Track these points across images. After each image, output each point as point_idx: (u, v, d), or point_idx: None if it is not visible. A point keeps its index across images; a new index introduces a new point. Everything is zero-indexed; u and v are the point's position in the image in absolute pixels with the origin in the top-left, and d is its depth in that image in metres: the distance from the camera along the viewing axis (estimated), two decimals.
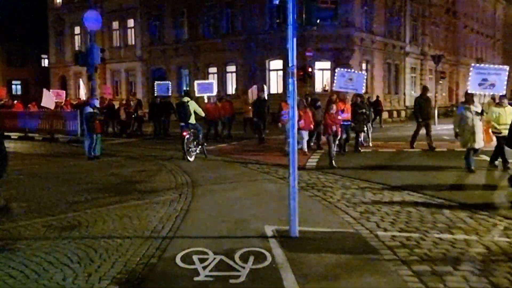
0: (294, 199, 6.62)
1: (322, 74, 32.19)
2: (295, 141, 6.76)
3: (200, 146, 15.09)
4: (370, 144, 17.61)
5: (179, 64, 38.60)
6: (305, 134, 15.70)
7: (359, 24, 32.20)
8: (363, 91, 16.95)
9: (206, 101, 22.56)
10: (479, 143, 11.68)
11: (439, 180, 11.15)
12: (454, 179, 11.28)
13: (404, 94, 38.46)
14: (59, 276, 5.43)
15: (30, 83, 54.84)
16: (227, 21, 35.79)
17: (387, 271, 5.48)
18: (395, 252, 6.07)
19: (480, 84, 12.76)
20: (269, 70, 33.81)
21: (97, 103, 16.14)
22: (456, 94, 47.39)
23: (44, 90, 26.68)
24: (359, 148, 16.11)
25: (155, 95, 24.52)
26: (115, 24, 42.58)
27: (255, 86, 24.84)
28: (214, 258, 5.86)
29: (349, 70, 18.87)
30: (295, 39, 6.57)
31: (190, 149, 14.57)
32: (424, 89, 17.50)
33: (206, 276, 5.39)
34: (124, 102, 25.80)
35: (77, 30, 45.07)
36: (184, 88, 34.87)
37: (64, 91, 34.20)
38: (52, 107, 24.95)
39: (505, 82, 12.91)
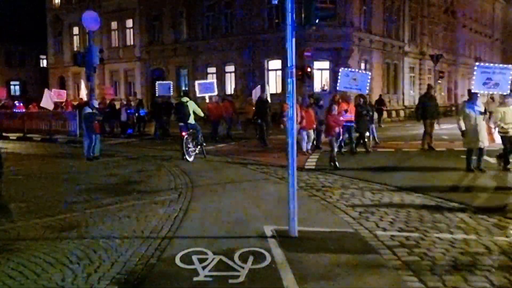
0: (293, 199, 6.62)
1: (321, 74, 32.19)
2: (294, 140, 6.76)
3: (199, 146, 15.08)
4: (375, 144, 17.31)
5: (178, 64, 38.57)
6: (308, 133, 15.61)
7: (357, 24, 32.20)
8: (367, 91, 16.77)
9: (207, 101, 22.44)
10: (483, 142, 11.58)
11: (438, 180, 11.16)
12: (454, 179, 11.26)
13: (403, 93, 38.46)
14: (58, 276, 5.43)
15: (28, 83, 54.82)
16: (226, 21, 35.77)
17: (387, 271, 5.48)
18: (394, 251, 6.07)
19: (484, 83, 12.61)
20: (268, 70, 33.79)
21: (96, 103, 16.12)
22: (455, 94, 47.41)
23: (46, 90, 26.70)
24: (368, 149, 15.81)
25: (157, 95, 24.44)
26: (114, 24, 42.52)
27: (259, 87, 24.81)
28: (214, 258, 5.86)
29: (353, 69, 18.75)
30: (294, 39, 6.57)
31: (189, 149, 14.56)
32: (429, 87, 17.27)
33: (205, 276, 5.39)
34: (124, 102, 25.74)
35: (75, 30, 45.03)
36: (183, 88, 34.89)
37: (65, 91, 34.28)
38: (51, 108, 24.94)
39: (510, 82, 12.76)
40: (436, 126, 16.95)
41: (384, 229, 7.04)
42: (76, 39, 45.61)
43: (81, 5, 41.86)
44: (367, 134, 16.46)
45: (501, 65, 13.07)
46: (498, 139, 12.41)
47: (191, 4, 36.70)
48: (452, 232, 6.88)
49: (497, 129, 12.20)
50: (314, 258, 5.86)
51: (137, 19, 40.64)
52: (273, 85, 32.75)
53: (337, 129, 13.01)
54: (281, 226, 7.02)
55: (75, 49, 43.49)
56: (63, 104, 28.77)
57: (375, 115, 18.76)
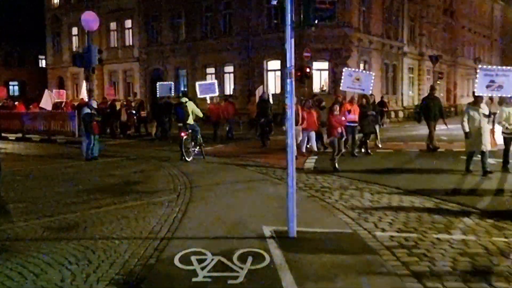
0: (292, 200, 6.62)
1: (320, 75, 32.19)
2: (294, 141, 6.76)
3: (198, 147, 15.08)
4: (380, 145, 17.08)
5: (177, 64, 38.56)
6: (309, 135, 15.47)
7: (356, 25, 32.22)
8: (371, 91, 16.61)
9: (208, 101, 22.30)
10: (486, 145, 11.44)
11: (438, 181, 11.16)
12: (453, 180, 11.27)
13: (402, 94, 38.49)
14: (57, 277, 5.43)
15: (27, 84, 54.79)
16: (224, 22, 35.78)
17: (386, 272, 5.48)
18: (393, 252, 6.07)
19: (487, 86, 12.29)
20: (267, 71, 33.80)
21: (95, 104, 16.11)
22: (454, 95, 47.46)
23: (46, 90, 26.67)
24: (369, 151, 15.60)
25: (158, 95, 24.36)
26: (113, 25, 42.53)
27: (261, 87, 24.74)
28: (212, 259, 5.86)
29: (356, 69, 18.59)
30: (293, 40, 6.58)
31: (188, 150, 14.56)
32: (431, 88, 17.00)
33: (204, 277, 5.39)
34: (125, 102, 25.65)
35: (74, 30, 45.04)
36: (182, 89, 34.87)
37: (64, 91, 34.31)
38: (49, 108, 24.94)
39: None
40: (443, 127, 16.64)
41: (383, 230, 7.04)
42: (75, 40, 45.63)
43: (80, 6, 41.84)
44: (372, 135, 16.19)
45: (504, 67, 12.81)
46: (499, 140, 12.32)
47: (190, 4, 36.69)
48: (451, 233, 6.88)
49: (500, 129, 12.10)
50: (313, 259, 5.86)
51: (136, 20, 40.65)
52: (272, 85, 32.76)
53: (339, 130, 12.73)
54: (280, 226, 7.02)
55: (74, 49, 43.52)
56: (63, 104, 28.75)
57: (379, 117, 18.37)
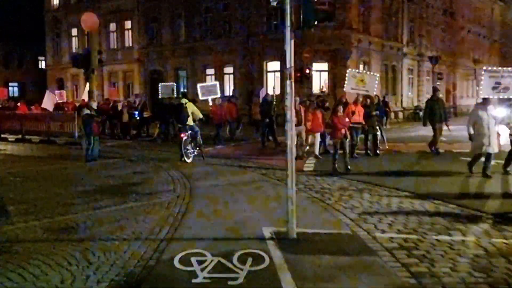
0: (291, 201, 6.62)
1: (319, 76, 32.21)
2: (293, 142, 6.76)
3: (198, 148, 15.08)
4: (387, 146, 16.91)
5: (177, 65, 38.56)
6: (315, 137, 15.26)
7: (356, 26, 32.23)
8: (375, 93, 16.43)
9: (210, 103, 22.12)
10: (494, 148, 11.24)
11: (437, 182, 11.17)
12: (453, 182, 11.28)
13: (402, 95, 38.49)
14: (57, 278, 5.43)
15: (27, 85, 54.76)
16: (224, 23, 35.78)
17: (385, 273, 5.49)
18: (393, 253, 6.08)
19: (493, 88, 12.20)
20: (267, 72, 33.80)
21: (94, 105, 16.10)
22: (454, 96, 47.46)
23: (47, 91, 26.65)
24: (377, 151, 15.37)
25: (160, 96, 24.31)
26: (113, 26, 42.52)
27: (264, 88, 24.66)
28: (212, 260, 5.86)
29: (360, 70, 18.45)
30: (292, 41, 6.58)
31: (188, 151, 14.56)
32: (434, 90, 16.77)
33: (204, 278, 5.39)
34: (126, 103, 25.56)
35: (74, 31, 45.01)
36: (182, 90, 34.86)
37: (64, 91, 34.35)
38: (51, 108, 24.95)
39: None
40: (445, 129, 16.40)
41: (383, 231, 7.05)
42: (74, 41, 45.61)
43: (80, 7, 41.85)
44: (378, 135, 15.94)
45: (510, 68, 12.65)
46: (504, 140, 12.17)
47: (190, 5, 36.70)
48: (451, 234, 6.89)
49: (508, 132, 11.84)
50: (312, 260, 5.87)
51: (135, 21, 40.65)
52: (272, 86, 32.77)
53: (343, 131, 12.50)
54: (279, 228, 7.02)
55: (74, 50, 43.49)
56: (63, 104, 28.74)
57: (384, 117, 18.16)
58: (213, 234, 7.02)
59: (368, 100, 15.65)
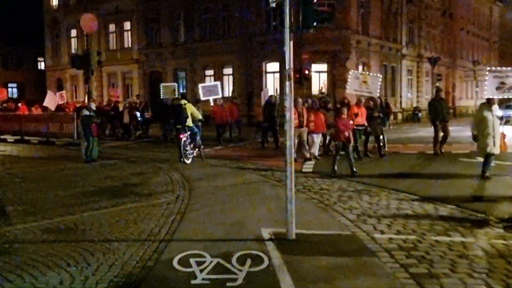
0: (291, 202, 6.62)
1: (318, 77, 32.23)
2: (292, 143, 6.76)
3: (197, 149, 15.08)
4: (386, 149, 16.39)
5: (176, 66, 38.57)
6: (317, 138, 15.06)
7: (355, 27, 32.27)
8: (378, 94, 16.22)
9: (212, 103, 22.04)
10: (497, 148, 11.09)
11: (436, 183, 11.17)
12: (453, 182, 11.28)
13: (401, 96, 38.52)
14: (56, 279, 5.42)
15: (26, 85, 54.74)
16: (223, 24, 35.81)
17: (384, 274, 5.49)
18: (392, 254, 6.07)
19: (498, 88, 12.09)
20: (266, 73, 33.83)
21: (93, 105, 16.12)
22: (453, 97, 47.49)
23: (49, 91, 26.67)
24: (382, 153, 15.19)
25: (161, 97, 24.29)
26: (112, 27, 42.54)
27: (266, 89, 24.60)
28: (211, 261, 5.86)
29: (363, 72, 18.29)
30: (291, 42, 6.59)
31: (187, 152, 14.56)
32: (437, 90, 16.51)
33: (203, 279, 5.39)
34: (127, 104, 25.55)
35: (73, 32, 45.03)
36: (181, 91, 34.86)
37: (65, 92, 34.35)
38: (53, 108, 24.99)
39: None
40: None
41: (382, 232, 7.05)
42: (74, 42, 45.62)
43: (79, 8, 41.86)
44: (381, 137, 15.71)
45: None
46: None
47: (189, 6, 36.72)
48: (450, 234, 6.88)
49: None
50: (311, 261, 5.86)
51: (134, 22, 40.66)
52: (271, 87, 32.80)
53: (346, 133, 12.31)
54: (278, 228, 7.02)
55: (73, 51, 43.46)
56: (65, 105, 28.74)
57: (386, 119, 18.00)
58: (212, 235, 7.02)
59: (372, 102, 15.48)
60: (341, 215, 8.04)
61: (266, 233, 6.98)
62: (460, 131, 20.04)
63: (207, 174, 12.67)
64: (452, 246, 6.37)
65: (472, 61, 49.47)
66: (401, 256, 6.00)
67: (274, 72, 33.03)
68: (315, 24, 6.91)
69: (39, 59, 54.98)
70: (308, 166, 13.64)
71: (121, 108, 24.42)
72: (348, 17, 31.37)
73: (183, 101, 15.00)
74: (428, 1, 42.24)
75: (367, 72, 19.10)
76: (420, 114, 38.30)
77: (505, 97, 12.58)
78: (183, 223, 7.67)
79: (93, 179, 12.06)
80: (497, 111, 11.47)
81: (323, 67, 31.76)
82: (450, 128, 16.71)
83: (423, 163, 14.38)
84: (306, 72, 25.05)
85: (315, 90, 31.47)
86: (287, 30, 6.53)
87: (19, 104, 30.33)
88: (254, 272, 5.54)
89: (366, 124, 14.84)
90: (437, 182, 11.25)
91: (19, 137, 23.64)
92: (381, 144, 15.43)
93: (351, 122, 12.96)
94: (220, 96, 22.09)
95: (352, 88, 15.77)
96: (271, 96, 20.16)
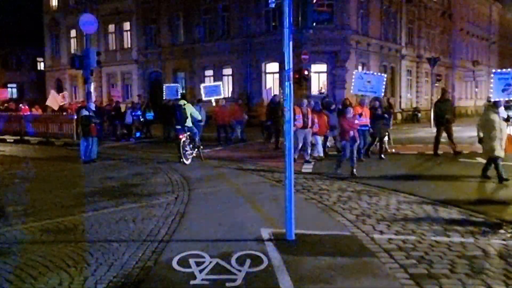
0: (290, 202, 6.62)
1: (318, 77, 32.27)
2: (292, 144, 6.75)
3: (196, 149, 15.07)
4: (388, 150, 16.55)
5: (175, 67, 38.60)
6: (320, 139, 15.02)
7: (355, 27, 32.30)
8: (383, 94, 16.16)
9: (214, 104, 22.01)
10: (502, 151, 10.92)
11: (435, 183, 11.17)
12: (452, 183, 11.30)
13: (400, 96, 38.55)
14: (55, 280, 5.42)
15: (25, 86, 54.76)
16: (223, 24, 35.86)
17: (384, 274, 5.49)
18: (391, 255, 6.07)
19: (504, 90, 12.06)
20: (265, 73, 33.87)
21: (93, 106, 16.10)
22: (452, 97, 47.53)
23: (52, 91, 26.69)
24: (382, 155, 15.09)
25: (164, 97, 24.27)
26: (111, 27, 42.59)
27: (269, 89, 24.55)
28: (211, 262, 5.86)
29: (367, 72, 18.23)
30: (291, 42, 6.59)
31: (186, 152, 14.55)
32: (443, 91, 16.49)
33: (202, 279, 5.39)
34: (130, 105, 25.51)
35: (73, 33, 45.08)
36: (181, 91, 34.86)
37: (67, 93, 34.40)
38: (56, 107, 24.98)
39: None
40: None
41: (381, 232, 7.05)
42: (73, 42, 45.69)
43: (79, 8, 41.87)
44: (386, 138, 15.75)
45: None
46: None
47: (188, 7, 36.75)
48: (449, 235, 6.89)
49: None
50: (311, 261, 5.86)
51: (134, 22, 40.71)
52: (270, 88, 32.81)
53: (351, 133, 12.28)
54: (278, 229, 7.02)
55: (72, 51, 43.54)
56: (68, 105, 28.74)
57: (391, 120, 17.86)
58: (212, 235, 7.02)
59: (377, 103, 15.39)
60: (340, 216, 8.03)
61: (265, 233, 6.98)
62: (460, 132, 20.06)
63: (207, 174, 12.67)
64: (451, 247, 6.37)
65: (471, 61, 49.51)
66: (401, 257, 6.00)
67: (273, 73, 33.06)
68: (314, 24, 6.92)
69: (39, 59, 55.04)
70: (308, 167, 13.65)
71: (123, 109, 24.38)
72: (347, 18, 31.40)
73: (182, 102, 15.01)
74: (428, 2, 42.30)
75: (371, 72, 19.02)
76: (419, 115, 38.36)
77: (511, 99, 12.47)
78: (182, 224, 7.67)
79: (92, 180, 12.05)
80: (503, 112, 11.36)
81: (323, 67, 31.79)
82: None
83: (422, 164, 14.38)
84: (306, 72, 25.06)
85: (314, 90, 31.51)
86: (286, 31, 6.52)
87: (21, 105, 30.32)
88: (254, 273, 5.54)
89: (369, 125, 14.76)
90: (437, 182, 11.26)
91: (19, 138, 23.62)
92: (383, 145, 15.40)
93: (356, 121, 12.91)
94: (222, 96, 22.07)
95: (357, 88, 15.73)
96: (275, 95, 20.12)
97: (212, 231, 7.25)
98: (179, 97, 23.27)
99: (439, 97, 16.97)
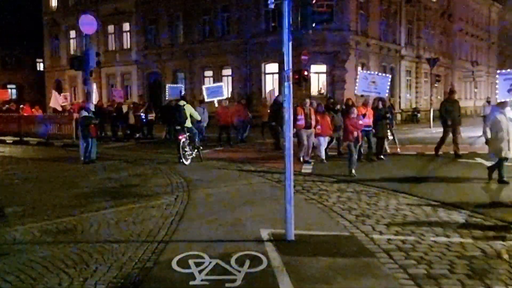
0: (290, 203, 6.63)
1: (317, 78, 32.28)
2: (291, 144, 6.76)
3: (196, 150, 15.07)
4: (399, 151, 16.60)
5: (175, 67, 38.61)
6: (323, 140, 14.86)
7: (354, 28, 32.31)
8: (387, 94, 16.07)
9: (216, 104, 21.96)
10: (510, 152, 10.81)
11: (435, 184, 11.18)
12: (452, 183, 11.30)
13: (400, 97, 38.56)
14: (55, 280, 5.42)
15: (25, 87, 54.73)
16: (222, 25, 35.86)
17: (383, 275, 5.49)
18: (391, 255, 6.08)
19: (509, 90, 11.99)
20: (265, 74, 33.88)
21: (92, 106, 16.09)
22: None
23: (54, 92, 26.69)
24: (381, 156, 14.93)
25: (167, 98, 24.23)
26: (111, 28, 42.59)
27: (273, 89, 24.52)
28: (210, 262, 5.85)
29: (371, 72, 18.21)
30: (290, 43, 6.59)
31: (186, 153, 14.54)
32: (451, 92, 16.27)
33: (202, 280, 5.38)
34: (132, 105, 25.45)
35: (72, 34, 45.09)
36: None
37: (69, 94, 34.42)
38: (59, 108, 24.97)
39: None
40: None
41: (381, 233, 7.05)
42: (72, 43, 45.70)
43: (78, 9, 41.93)
44: (390, 138, 15.59)
45: None
46: None
47: (188, 7, 36.77)
48: (448, 235, 6.89)
49: None
50: (310, 262, 5.86)
51: (134, 23, 40.71)
52: (270, 88, 32.79)
53: (355, 134, 12.28)
54: (277, 229, 7.02)
55: (72, 52, 43.59)
56: (66, 107, 28.73)
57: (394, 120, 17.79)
58: (211, 236, 7.02)
59: (380, 103, 15.31)
60: (340, 216, 8.04)
61: (265, 233, 6.98)
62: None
63: (207, 175, 12.66)
64: (450, 247, 6.37)
65: (471, 61, 49.53)
66: (400, 257, 6.01)
67: (273, 73, 33.07)
68: (314, 25, 6.92)
69: (38, 60, 54.99)
70: (308, 167, 13.66)
71: (125, 109, 24.34)
72: (347, 18, 31.42)
73: (182, 102, 15.01)
74: (427, 2, 42.32)
75: (376, 72, 19.02)
76: (419, 115, 38.38)
77: None
78: (182, 224, 7.66)
79: (92, 180, 12.04)
80: (510, 113, 11.31)
81: (322, 68, 31.80)
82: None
83: (422, 164, 14.38)
84: (305, 73, 25.04)
85: (314, 91, 31.52)
86: (286, 31, 6.53)
87: (22, 106, 30.31)
88: (253, 273, 5.54)
89: (372, 125, 14.68)
90: (436, 183, 11.26)
91: (18, 138, 23.60)
92: (384, 146, 15.35)
93: (360, 122, 12.85)
94: (224, 97, 22.03)
95: (361, 88, 15.70)
96: (278, 95, 20.09)
97: (211, 231, 7.25)
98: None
99: (446, 97, 16.67)
